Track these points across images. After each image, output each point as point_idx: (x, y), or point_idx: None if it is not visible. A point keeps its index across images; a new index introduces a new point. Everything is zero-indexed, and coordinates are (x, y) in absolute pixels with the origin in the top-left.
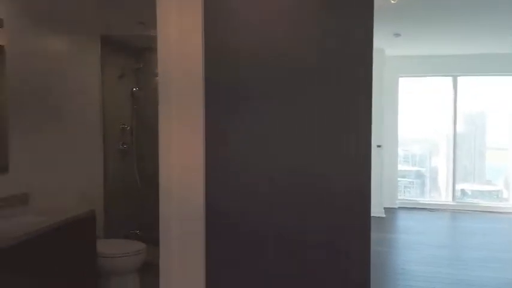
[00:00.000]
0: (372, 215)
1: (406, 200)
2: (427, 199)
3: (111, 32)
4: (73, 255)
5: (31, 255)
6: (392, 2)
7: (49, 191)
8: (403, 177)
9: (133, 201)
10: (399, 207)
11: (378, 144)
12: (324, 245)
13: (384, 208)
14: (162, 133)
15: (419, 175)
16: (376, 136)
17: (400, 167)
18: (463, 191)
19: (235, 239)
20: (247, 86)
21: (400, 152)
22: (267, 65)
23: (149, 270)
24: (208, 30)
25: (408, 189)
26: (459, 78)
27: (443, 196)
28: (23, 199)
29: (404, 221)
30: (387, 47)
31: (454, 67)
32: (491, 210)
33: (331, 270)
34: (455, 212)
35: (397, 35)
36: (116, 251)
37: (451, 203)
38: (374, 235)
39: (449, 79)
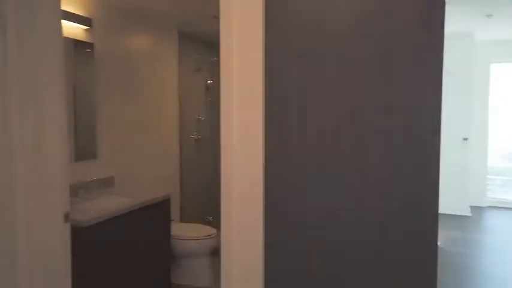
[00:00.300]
0: (454, 213)
1: (498, 198)
2: None
3: (188, 27)
4: (151, 235)
5: (116, 231)
6: None
7: (132, 175)
8: (498, 174)
9: (207, 188)
10: (488, 206)
11: (464, 137)
12: (386, 243)
13: (470, 207)
14: (223, 123)
15: None
16: (463, 128)
17: (495, 163)
18: None
19: (292, 227)
20: (308, 75)
21: (495, 147)
22: (329, 53)
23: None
24: (269, 17)
25: (504, 188)
26: None
27: None
28: (110, 182)
29: (493, 220)
30: (477, 30)
31: None
32: None
33: (392, 269)
34: None
35: (489, 15)
36: (189, 234)
37: None
38: (456, 234)
39: None
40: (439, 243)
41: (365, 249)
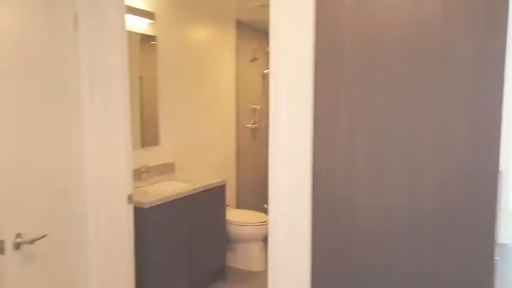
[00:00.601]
0: None
1: None
2: None
3: (245, 17)
4: (207, 219)
5: (174, 214)
6: None
7: (190, 162)
8: None
9: (263, 176)
10: None
11: None
12: (439, 242)
13: None
14: (272, 113)
15: None
16: None
17: None
18: None
19: (340, 216)
20: (358, 73)
21: None
22: (383, 46)
23: None
24: (320, 11)
25: None
26: None
27: None
28: (170, 167)
29: None
30: None
31: None
32: None
33: (445, 269)
34: None
35: None
36: (243, 220)
37: None
38: None
39: None
40: (509, 242)
41: (415, 246)
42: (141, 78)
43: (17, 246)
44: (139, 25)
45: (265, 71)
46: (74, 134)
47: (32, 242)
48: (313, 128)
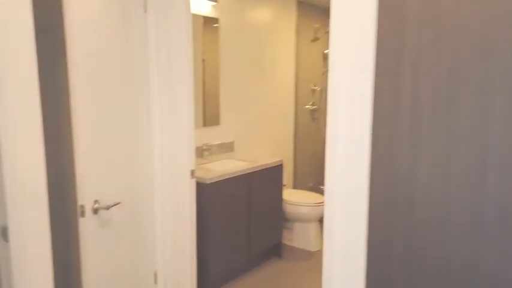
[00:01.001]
0: None
1: None
2: None
3: None
4: (264, 197)
5: (233, 190)
6: None
7: (249, 141)
8: None
9: (320, 158)
10: None
11: None
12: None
13: None
14: (330, 95)
15: None
16: None
17: None
18: None
19: (397, 196)
20: (422, 43)
21: None
22: (449, 31)
23: None
24: None
25: None
26: None
27: None
28: (230, 146)
29: None
30: None
31: None
32: None
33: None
34: None
35: None
36: (299, 200)
37: None
38: None
39: None
40: None
41: (478, 241)
42: (203, 60)
43: (95, 211)
44: (202, 8)
45: (326, 51)
46: (142, 112)
47: (107, 208)
48: (373, 114)
